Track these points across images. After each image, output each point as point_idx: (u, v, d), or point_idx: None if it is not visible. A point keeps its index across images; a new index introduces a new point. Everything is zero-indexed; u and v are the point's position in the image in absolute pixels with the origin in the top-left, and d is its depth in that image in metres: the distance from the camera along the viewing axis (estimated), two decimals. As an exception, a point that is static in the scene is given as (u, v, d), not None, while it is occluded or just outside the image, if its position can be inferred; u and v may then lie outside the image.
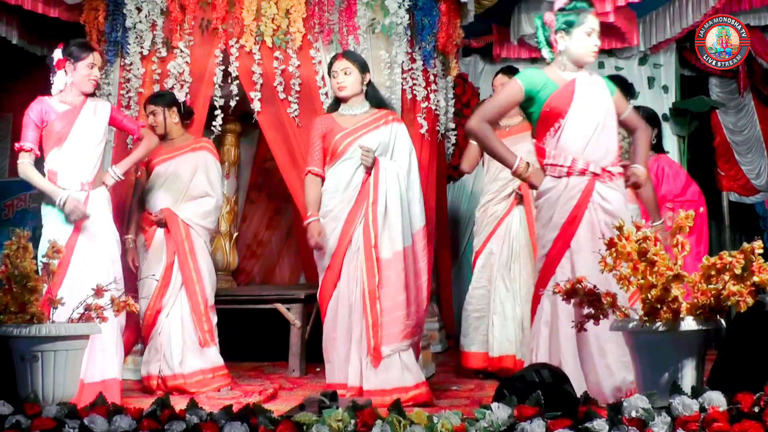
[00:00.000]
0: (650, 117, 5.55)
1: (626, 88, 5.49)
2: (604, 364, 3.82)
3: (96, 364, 4.50)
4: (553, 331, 3.97)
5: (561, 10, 4.04)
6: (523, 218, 5.54)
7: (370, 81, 4.90)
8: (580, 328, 3.47)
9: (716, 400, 2.89)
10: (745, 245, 3.12)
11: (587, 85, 4.05)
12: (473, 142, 5.57)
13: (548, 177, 4.02)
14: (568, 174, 3.96)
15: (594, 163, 3.95)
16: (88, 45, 4.83)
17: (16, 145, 4.69)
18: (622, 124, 4.19)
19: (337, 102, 4.90)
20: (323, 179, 4.80)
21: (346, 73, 4.78)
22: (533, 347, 4.06)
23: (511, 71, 5.69)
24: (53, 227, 4.59)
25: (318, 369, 5.81)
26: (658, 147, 5.72)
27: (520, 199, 5.56)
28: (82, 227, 4.62)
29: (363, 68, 4.85)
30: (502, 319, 5.48)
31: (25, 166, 4.65)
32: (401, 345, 4.61)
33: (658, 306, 3.14)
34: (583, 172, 3.94)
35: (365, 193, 4.67)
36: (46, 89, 4.81)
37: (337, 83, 4.80)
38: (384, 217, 4.64)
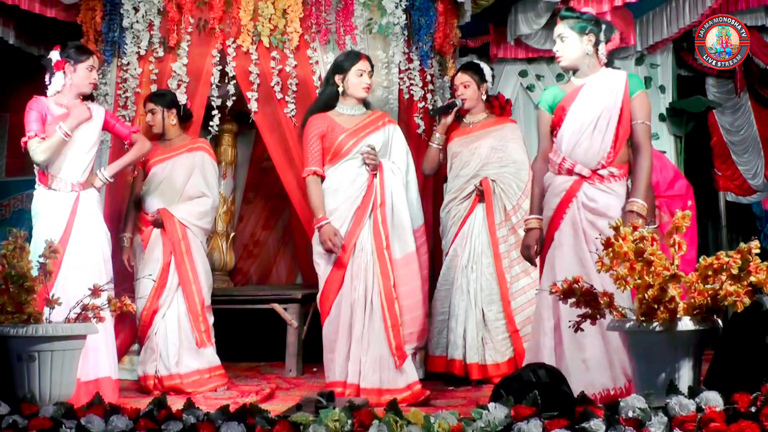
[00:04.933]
0: None
1: None
2: (580, 359, 3.85)
3: (89, 362, 4.49)
4: (536, 327, 4.08)
5: None
6: (485, 216, 5.44)
7: None
8: (577, 328, 3.48)
9: (713, 400, 2.89)
10: (742, 245, 3.13)
11: (594, 87, 4.06)
12: (432, 144, 5.59)
13: (548, 172, 4.14)
14: (558, 172, 4.07)
15: (582, 165, 4.00)
16: (87, 48, 4.83)
17: (23, 139, 4.66)
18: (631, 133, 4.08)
19: (335, 100, 4.88)
20: (323, 179, 4.80)
21: (369, 76, 4.84)
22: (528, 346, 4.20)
23: (471, 68, 5.68)
24: (44, 227, 4.58)
25: (315, 369, 5.81)
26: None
27: (481, 196, 5.45)
28: (73, 227, 4.62)
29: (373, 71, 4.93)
30: (455, 323, 5.40)
31: (35, 145, 4.60)
32: (420, 344, 4.75)
33: (655, 306, 3.15)
34: (569, 172, 4.03)
35: (372, 194, 4.69)
36: (42, 89, 4.80)
37: (365, 83, 4.82)
38: (392, 218, 4.67)
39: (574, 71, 4.13)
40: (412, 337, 4.66)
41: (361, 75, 4.81)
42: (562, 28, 4.09)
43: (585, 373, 3.79)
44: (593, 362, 3.82)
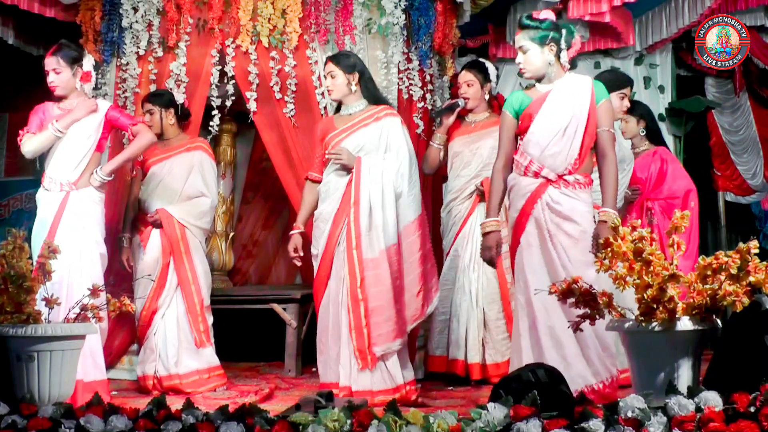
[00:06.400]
0: (641, 110, 5.58)
1: (626, 81, 5.44)
2: (560, 355, 3.86)
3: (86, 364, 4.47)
4: (515, 329, 4.11)
5: None
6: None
7: (364, 78, 4.80)
8: (576, 328, 3.48)
9: (712, 400, 2.89)
10: (741, 245, 3.13)
11: (560, 93, 4.07)
12: (433, 144, 5.60)
13: (513, 173, 4.14)
14: (525, 173, 4.06)
15: (549, 169, 4.01)
16: (54, 49, 4.77)
17: (21, 132, 4.74)
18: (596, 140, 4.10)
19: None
20: (321, 183, 4.82)
21: (332, 77, 4.77)
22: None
23: (476, 66, 5.69)
24: (35, 227, 4.64)
25: (314, 369, 5.80)
26: (657, 138, 5.68)
27: (481, 196, 5.44)
28: (59, 228, 4.61)
29: (349, 69, 4.76)
30: (456, 323, 5.41)
31: (25, 139, 4.72)
32: (394, 345, 4.58)
33: (654, 306, 3.15)
34: (536, 175, 4.03)
35: (348, 195, 4.66)
36: (41, 90, 4.82)
37: (326, 86, 4.85)
38: (369, 217, 4.60)
39: (539, 79, 4.15)
40: (382, 338, 4.54)
41: (326, 80, 4.83)
42: (522, 39, 4.11)
43: (567, 370, 3.76)
44: (573, 358, 3.86)
